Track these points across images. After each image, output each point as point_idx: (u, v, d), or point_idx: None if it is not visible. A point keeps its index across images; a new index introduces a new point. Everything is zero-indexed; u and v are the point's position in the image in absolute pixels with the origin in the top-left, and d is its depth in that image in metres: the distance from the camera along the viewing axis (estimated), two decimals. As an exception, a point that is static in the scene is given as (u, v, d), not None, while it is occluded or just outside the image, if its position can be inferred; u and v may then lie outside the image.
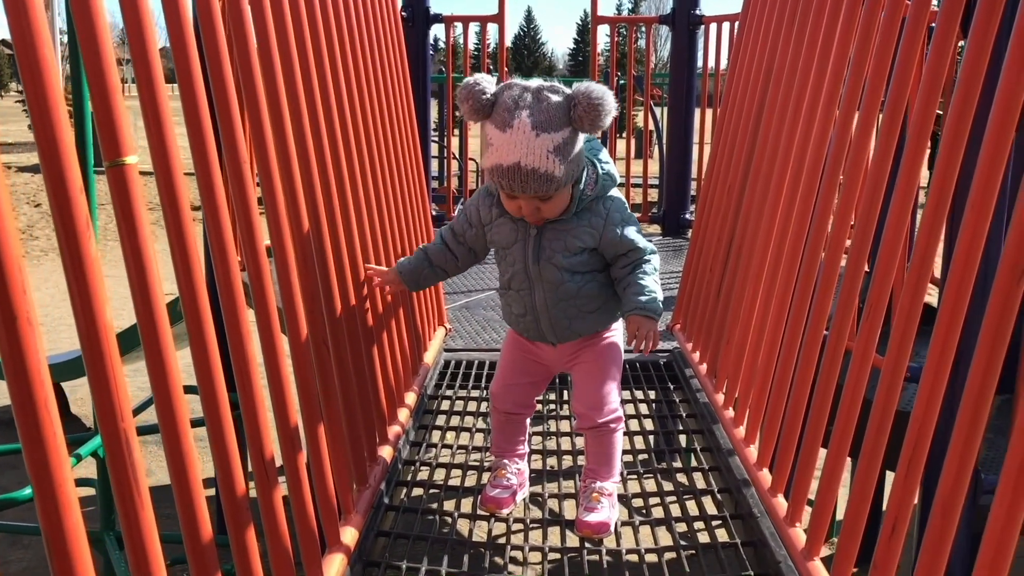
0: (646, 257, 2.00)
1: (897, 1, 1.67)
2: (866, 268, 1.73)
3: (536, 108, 1.81)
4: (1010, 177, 1.73)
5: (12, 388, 0.83)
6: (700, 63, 5.58)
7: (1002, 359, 1.19)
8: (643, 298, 1.95)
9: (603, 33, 5.71)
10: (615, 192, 2.03)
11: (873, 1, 1.77)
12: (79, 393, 5.64)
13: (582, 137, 1.89)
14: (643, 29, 5.88)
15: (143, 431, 3.28)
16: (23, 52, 0.90)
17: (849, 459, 1.69)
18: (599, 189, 1.97)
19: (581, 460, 2.19)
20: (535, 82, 1.87)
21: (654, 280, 1.99)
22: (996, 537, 1.10)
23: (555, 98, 1.83)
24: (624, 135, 5.35)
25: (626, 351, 2.11)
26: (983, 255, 1.29)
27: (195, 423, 1.36)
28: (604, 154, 2.02)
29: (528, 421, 2.20)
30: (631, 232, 1.99)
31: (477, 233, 2.10)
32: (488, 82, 1.88)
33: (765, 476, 1.99)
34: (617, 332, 2.12)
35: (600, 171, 1.97)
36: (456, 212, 2.19)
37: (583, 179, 1.94)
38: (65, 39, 2.72)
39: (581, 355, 2.08)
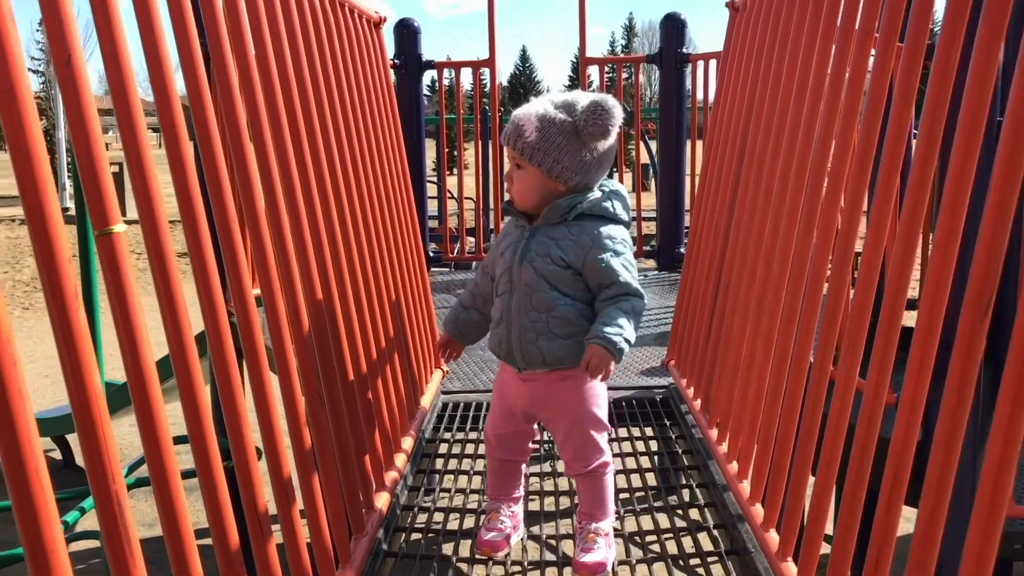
0: (628, 295, 1.95)
1: (866, 36, 1.72)
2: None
3: (566, 96, 2.03)
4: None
5: (5, 457, 0.86)
6: (689, 98, 5.66)
7: (973, 389, 1.22)
8: (608, 329, 1.90)
9: (594, 72, 5.78)
10: (618, 228, 2.02)
11: (844, 39, 1.81)
12: (83, 446, 5.65)
13: (592, 148, 1.97)
14: (632, 68, 5.96)
15: (143, 483, 3.31)
16: (9, 121, 0.94)
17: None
18: (597, 209, 1.99)
19: (577, 500, 2.20)
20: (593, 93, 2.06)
21: (628, 320, 1.93)
22: (976, 552, 1.12)
23: (586, 98, 2.00)
24: (617, 169, 5.40)
25: (611, 387, 2.09)
26: (956, 279, 1.32)
27: (188, 474, 1.39)
28: (617, 188, 2.07)
29: (524, 467, 2.21)
30: (617, 264, 1.95)
31: (494, 254, 2.13)
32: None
33: (758, 511, 2.00)
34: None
35: (604, 195, 2.02)
36: None
37: (588, 194, 2.00)
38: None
39: (554, 407, 2.04)
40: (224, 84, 1.54)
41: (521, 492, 2.20)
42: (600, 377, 1.94)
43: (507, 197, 2.10)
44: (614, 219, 2.02)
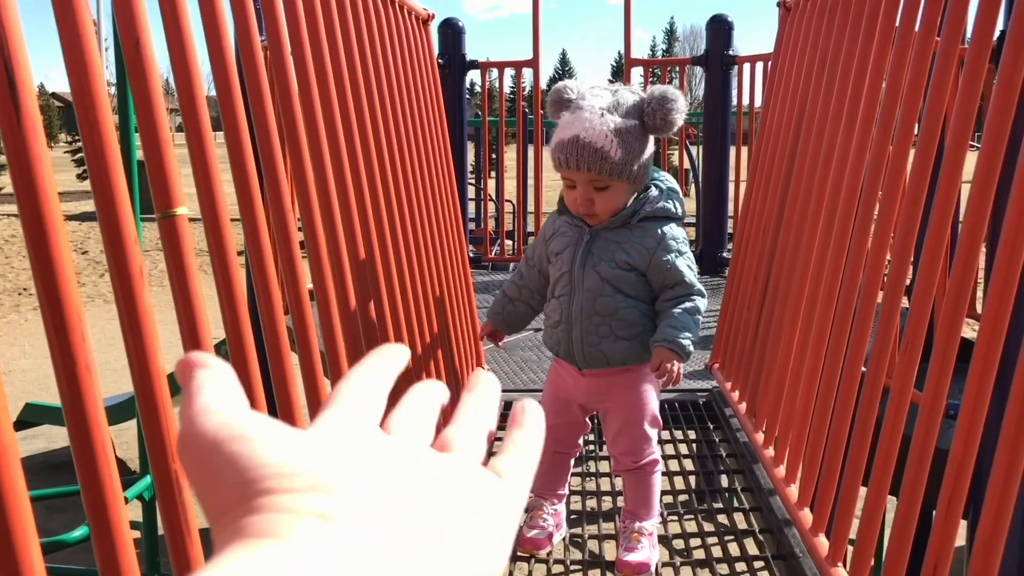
0: (692, 295, 1.96)
1: (927, 37, 1.69)
2: (905, 304, 1.73)
3: (610, 98, 1.91)
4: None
5: (72, 431, 0.87)
6: (734, 101, 5.60)
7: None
8: (674, 331, 1.91)
9: (637, 74, 5.75)
10: (678, 228, 2.01)
11: (904, 38, 1.78)
12: (124, 437, 5.73)
13: (652, 142, 1.94)
14: (677, 70, 5.92)
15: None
16: (82, 107, 0.95)
17: (893, 498, 1.68)
18: (659, 210, 1.97)
19: (621, 501, 2.18)
20: (617, 85, 1.97)
21: (693, 320, 1.94)
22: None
23: (630, 95, 1.92)
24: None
25: (661, 390, 2.10)
26: (1020, 289, 1.29)
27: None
28: (672, 183, 2.04)
29: (571, 461, 2.20)
30: (682, 265, 1.96)
31: (542, 250, 2.11)
32: (574, 87, 1.97)
33: (806, 516, 1.97)
34: (650, 374, 2.04)
35: (663, 193, 1.99)
36: None
37: (648, 194, 1.97)
38: (113, 91, 2.80)
39: (612, 400, 2.04)
40: (281, 78, 1.56)
41: (566, 490, 2.19)
42: (671, 382, 1.94)
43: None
44: (674, 217, 2.01)
